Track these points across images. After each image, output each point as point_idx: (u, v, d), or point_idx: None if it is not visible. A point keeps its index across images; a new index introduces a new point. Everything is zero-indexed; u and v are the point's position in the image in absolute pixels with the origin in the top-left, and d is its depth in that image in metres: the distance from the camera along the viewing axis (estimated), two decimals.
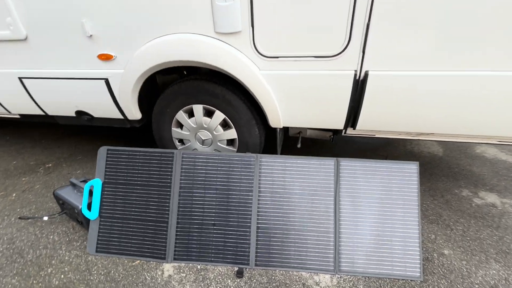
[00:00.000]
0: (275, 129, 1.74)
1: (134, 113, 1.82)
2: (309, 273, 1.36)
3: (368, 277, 1.34)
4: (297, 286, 1.29)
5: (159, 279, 1.32)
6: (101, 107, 1.86)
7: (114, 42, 1.56)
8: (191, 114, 1.83)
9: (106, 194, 1.49)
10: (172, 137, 1.92)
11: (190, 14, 1.38)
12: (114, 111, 1.85)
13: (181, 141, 1.97)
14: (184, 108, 1.77)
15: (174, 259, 1.41)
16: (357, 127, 1.56)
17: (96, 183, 1.49)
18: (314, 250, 1.38)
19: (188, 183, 1.45)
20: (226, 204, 1.43)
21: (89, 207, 1.49)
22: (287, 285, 1.30)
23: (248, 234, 1.40)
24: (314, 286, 1.29)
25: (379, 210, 1.39)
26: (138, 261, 1.42)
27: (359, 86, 1.40)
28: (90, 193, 1.52)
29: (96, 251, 1.45)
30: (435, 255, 1.48)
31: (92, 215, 1.47)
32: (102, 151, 1.52)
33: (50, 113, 2.05)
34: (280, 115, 1.59)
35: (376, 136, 1.70)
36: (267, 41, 1.37)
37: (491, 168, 2.31)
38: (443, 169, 2.30)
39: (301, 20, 1.29)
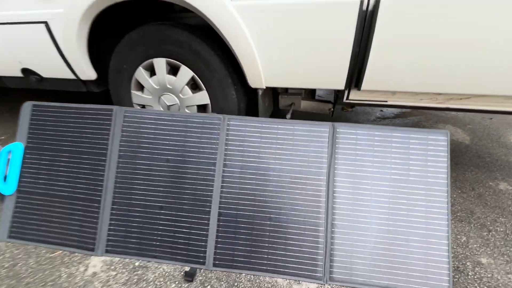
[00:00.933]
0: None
1: (85, 70, 1.47)
2: (287, 281, 0.97)
3: None
4: None
5: (78, 278, 0.96)
6: (46, 62, 1.52)
7: None
8: (153, 72, 1.46)
9: (27, 162, 1.14)
10: (132, 102, 1.56)
11: None
12: (62, 68, 1.51)
13: (143, 107, 1.61)
14: (144, 63, 1.41)
15: (106, 251, 1.04)
16: (363, 85, 1.15)
17: (16, 149, 1.14)
18: (296, 249, 0.99)
19: (130, 151, 1.09)
20: (180, 181, 1.06)
21: (5, 178, 1.14)
22: None
23: (207, 223, 1.02)
24: None
25: (391, 197, 0.99)
26: (59, 252, 1.06)
27: (366, 21, 0.99)
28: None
29: (9, 237, 1.10)
30: (468, 264, 1.05)
31: (8, 188, 1.12)
32: (27, 107, 1.17)
33: None
34: (260, 69, 1.20)
35: (388, 103, 1.28)
36: None
37: None
38: (472, 158, 1.85)
39: None
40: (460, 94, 1.13)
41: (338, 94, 1.32)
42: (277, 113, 2.31)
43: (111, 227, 1.05)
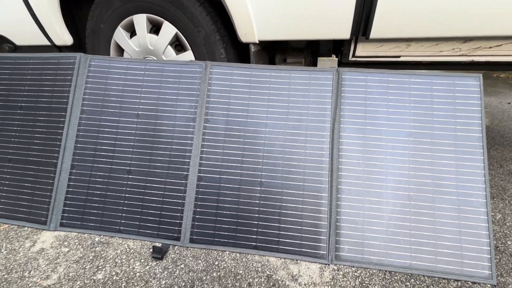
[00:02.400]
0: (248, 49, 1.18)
1: (60, 34, 1.32)
2: (282, 260, 0.77)
3: (387, 272, 0.73)
4: (256, 279, 0.70)
5: (20, 255, 0.77)
6: (19, 28, 1.37)
7: None
8: (134, 33, 1.30)
9: None
10: None
11: None
12: (36, 33, 1.35)
13: None
14: (123, 22, 1.25)
15: (61, 224, 0.85)
16: (372, 32, 0.97)
17: None
18: (293, 220, 0.79)
19: (94, 106, 0.91)
20: (152, 139, 0.87)
21: None
22: (238, 276, 0.71)
23: (183, 189, 0.83)
24: (288, 283, 0.70)
25: (411, 155, 0.79)
26: (6, 225, 0.87)
27: None
28: None
29: None
30: (509, 243, 0.84)
31: None
32: None
33: None
34: (252, 18, 1.03)
35: (402, 59, 1.10)
36: None
37: None
38: (495, 138, 1.64)
39: None
40: (490, 36, 0.94)
41: (343, 50, 1.14)
42: None
43: (68, 195, 0.86)
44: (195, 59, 1.22)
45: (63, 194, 0.86)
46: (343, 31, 0.99)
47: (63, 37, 1.34)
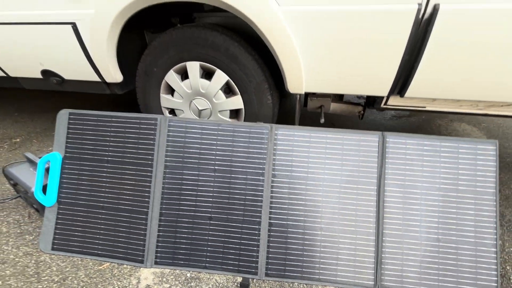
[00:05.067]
0: (290, 97, 1.33)
1: (112, 73, 1.42)
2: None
3: None
4: None
5: None
6: (70, 64, 1.46)
7: None
8: (184, 75, 1.42)
9: (67, 173, 1.11)
10: (161, 106, 1.52)
11: None
12: (88, 70, 1.45)
13: (172, 112, 1.57)
14: (176, 66, 1.37)
15: (156, 263, 1.04)
16: (407, 93, 1.14)
17: (54, 159, 1.10)
18: (347, 258, 1.00)
19: (176, 162, 1.06)
20: (228, 191, 1.05)
21: (44, 189, 1.11)
22: None
23: (257, 233, 1.02)
24: None
25: (441, 205, 1.00)
26: (107, 264, 1.05)
27: (421, 29, 0.98)
28: (48, 171, 1.15)
29: (52, 249, 1.08)
30: (508, 268, 1.09)
31: (48, 200, 1.09)
32: (63, 115, 1.13)
33: (11, 73, 1.65)
34: (303, 75, 1.18)
35: (427, 109, 1.29)
36: None
37: None
38: None
39: None
40: (501, 103, 1.14)
41: (375, 98, 1.32)
42: (305, 115, 2.31)
43: (160, 238, 1.04)
44: (244, 103, 1.37)
45: (155, 237, 1.04)
46: (382, 90, 1.17)
47: (115, 76, 1.44)
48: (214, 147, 1.06)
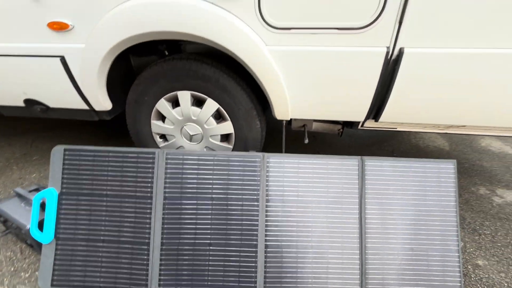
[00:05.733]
0: (276, 121, 1.44)
1: (102, 102, 1.44)
2: None
3: None
4: None
5: None
6: (57, 95, 1.45)
7: (69, 6, 1.16)
8: (175, 103, 1.48)
9: (64, 208, 1.12)
10: (151, 131, 1.56)
11: None
12: (76, 100, 1.46)
13: (163, 136, 1.61)
14: (167, 95, 1.42)
15: None
16: (381, 118, 1.29)
17: (50, 195, 1.11)
18: (336, 271, 1.12)
19: (175, 192, 1.12)
20: (225, 218, 1.12)
21: (40, 226, 1.12)
22: None
23: (254, 256, 1.11)
24: None
25: (413, 218, 1.15)
26: None
27: (389, 67, 1.13)
28: (42, 206, 1.15)
29: (52, 285, 1.09)
30: (469, 267, 1.27)
31: (45, 237, 1.10)
32: (57, 151, 1.14)
33: None
34: (289, 104, 1.29)
35: (397, 129, 1.45)
36: (278, 6, 1.05)
37: (500, 162, 2.17)
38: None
39: None
40: (458, 126, 1.32)
41: (353, 123, 1.46)
42: (289, 132, 2.43)
43: (162, 267, 1.09)
44: (234, 128, 1.46)
45: (158, 266, 1.09)
46: (359, 116, 1.31)
47: (105, 104, 1.47)
48: (211, 177, 1.14)
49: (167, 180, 1.12)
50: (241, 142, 1.49)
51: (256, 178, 1.14)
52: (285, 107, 1.29)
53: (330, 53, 1.11)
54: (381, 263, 1.13)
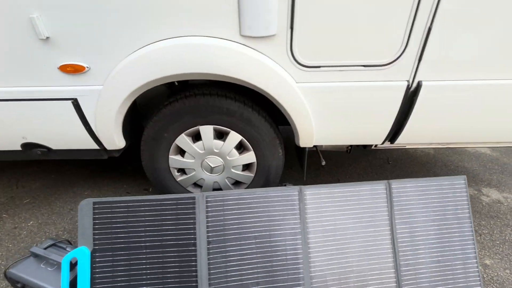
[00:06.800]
0: (297, 148, 1.49)
1: (117, 141, 1.35)
2: None
3: None
4: None
5: None
6: (64, 137, 1.34)
7: (85, 47, 1.09)
8: (195, 136, 1.44)
9: (99, 267, 1.04)
10: (169, 166, 1.50)
11: (206, 10, 1.02)
12: (85, 141, 1.36)
13: (181, 170, 1.56)
14: (188, 131, 1.38)
15: None
16: (397, 141, 1.40)
17: (82, 254, 1.02)
18: None
19: (218, 235, 1.10)
20: (270, 255, 1.13)
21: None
22: None
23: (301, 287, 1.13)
24: None
25: (436, 232, 1.26)
26: None
27: (409, 98, 1.23)
28: (71, 267, 1.06)
29: None
30: (481, 268, 1.43)
31: None
32: (85, 206, 1.05)
33: None
34: (314, 133, 1.33)
35: (406, 147, 1.58)
36: (308, 47, 1.09)
37: (478, 162, 2.45)
38: (442, 168, 2.35)
39: (353, 21, 1.04)
40: (458, 143, 1.48)
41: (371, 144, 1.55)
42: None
43: None
44: (256, 158, 1.47)
45: None
46: (378, 140, 1.40)
47: (119, 143, 1.39)
48: (251, 215, 1.14)
49: (209, 224, 1.10)
50: (264, 170, 1.50)
51: (295, 211, 1.17)
52: (311, 136, 1.34)
53: (356, 87, 1.18)
54: (414, 277, 1.22)
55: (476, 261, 1.27)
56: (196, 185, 1.61)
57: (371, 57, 1.12)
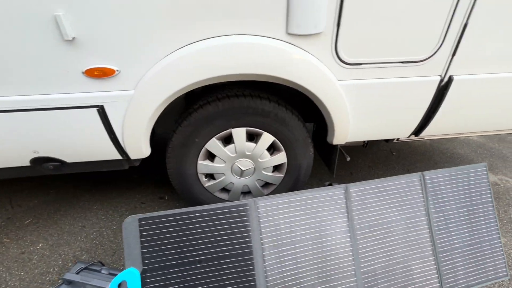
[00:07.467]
0: (329, 145, 1.49)
1: (144, 150, 1.25)
2: None
3: None
4: None
5: None
6: (84, 149, 1.21)
7: (117, 48, 0.98)
8: (225, 140, 1.38)
9: (152, 287, 0.96)
10: (197, 172, 1.43)
11: (252, 8, 0.96)
12: (107, 151, 1.24)
13: (208, 175, 1.49)
14: (219, 134, 1.32)
15: None
16: (422, 134, 1.46)
17: (131, 276, 0.94)
18: (420, 280, 1.23)
19: (272, 241, 1.07)
20: (322, 255, 1.12)
21: None
22: None
23: (354, 285, 1.14)
24: None
25: (466, 217, 1.34)
26: None
27: (439, 92, 1.27)
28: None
29: None
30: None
31: None
32: (130, 223, 0.96)
33: None
34: (349, 130, 1.34)
35: (425, 138, 1.65)
36: (352, 44, 1.09)
37: (469, 148, 2.65)
38: (440, 155, 2.50)
39: (397, 18, 1.05)
40: (474, 132, 1.58)
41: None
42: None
43: None
44: (287, 158, 1.45)
45: None
46: (406, 134, 1.44)
47: (146, 151, 1.30)
48: (302, 217, 1.12)
49: (263, 230, 1.06)
50: (294, 170, 1.48)
51: (342, 210, 1.17)
52: (346, 133, 1.34)
53: (394, 83, 1.20)
54: (451, 263, 1.29)
55: (500, 242, 1.37)
56: (224, 190, 1.55)
57: (410, 54, 1.14)
